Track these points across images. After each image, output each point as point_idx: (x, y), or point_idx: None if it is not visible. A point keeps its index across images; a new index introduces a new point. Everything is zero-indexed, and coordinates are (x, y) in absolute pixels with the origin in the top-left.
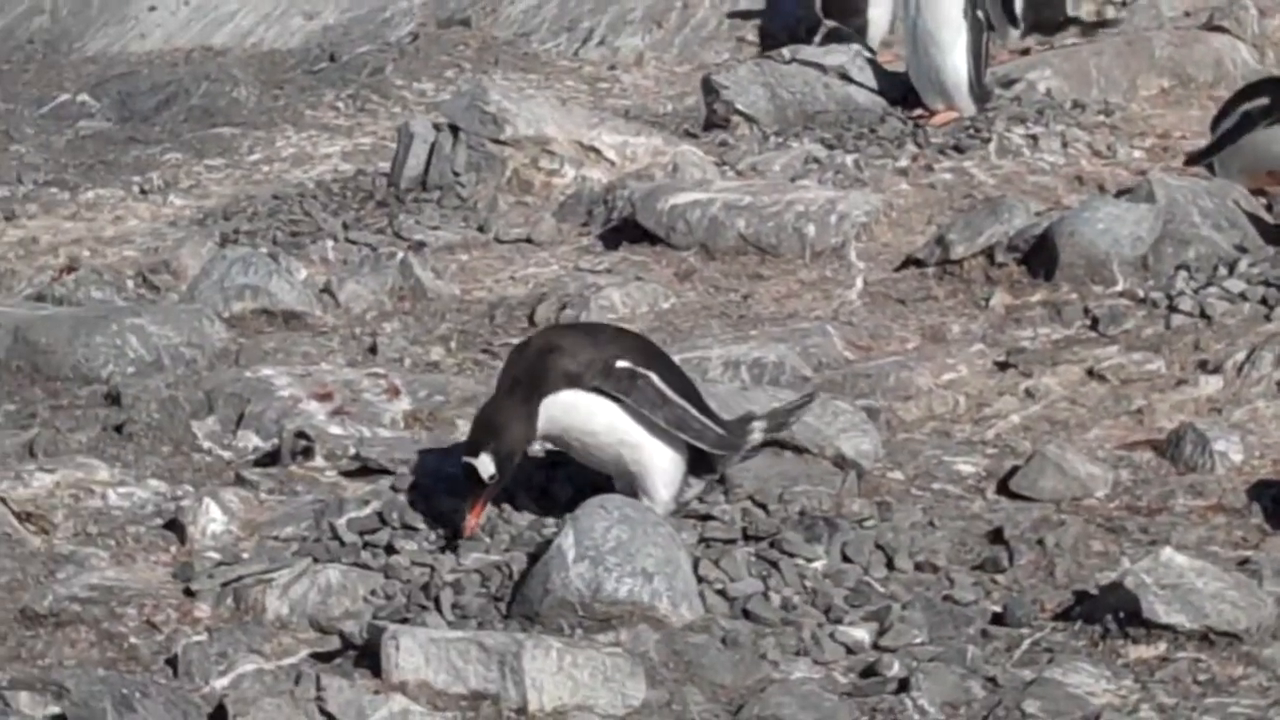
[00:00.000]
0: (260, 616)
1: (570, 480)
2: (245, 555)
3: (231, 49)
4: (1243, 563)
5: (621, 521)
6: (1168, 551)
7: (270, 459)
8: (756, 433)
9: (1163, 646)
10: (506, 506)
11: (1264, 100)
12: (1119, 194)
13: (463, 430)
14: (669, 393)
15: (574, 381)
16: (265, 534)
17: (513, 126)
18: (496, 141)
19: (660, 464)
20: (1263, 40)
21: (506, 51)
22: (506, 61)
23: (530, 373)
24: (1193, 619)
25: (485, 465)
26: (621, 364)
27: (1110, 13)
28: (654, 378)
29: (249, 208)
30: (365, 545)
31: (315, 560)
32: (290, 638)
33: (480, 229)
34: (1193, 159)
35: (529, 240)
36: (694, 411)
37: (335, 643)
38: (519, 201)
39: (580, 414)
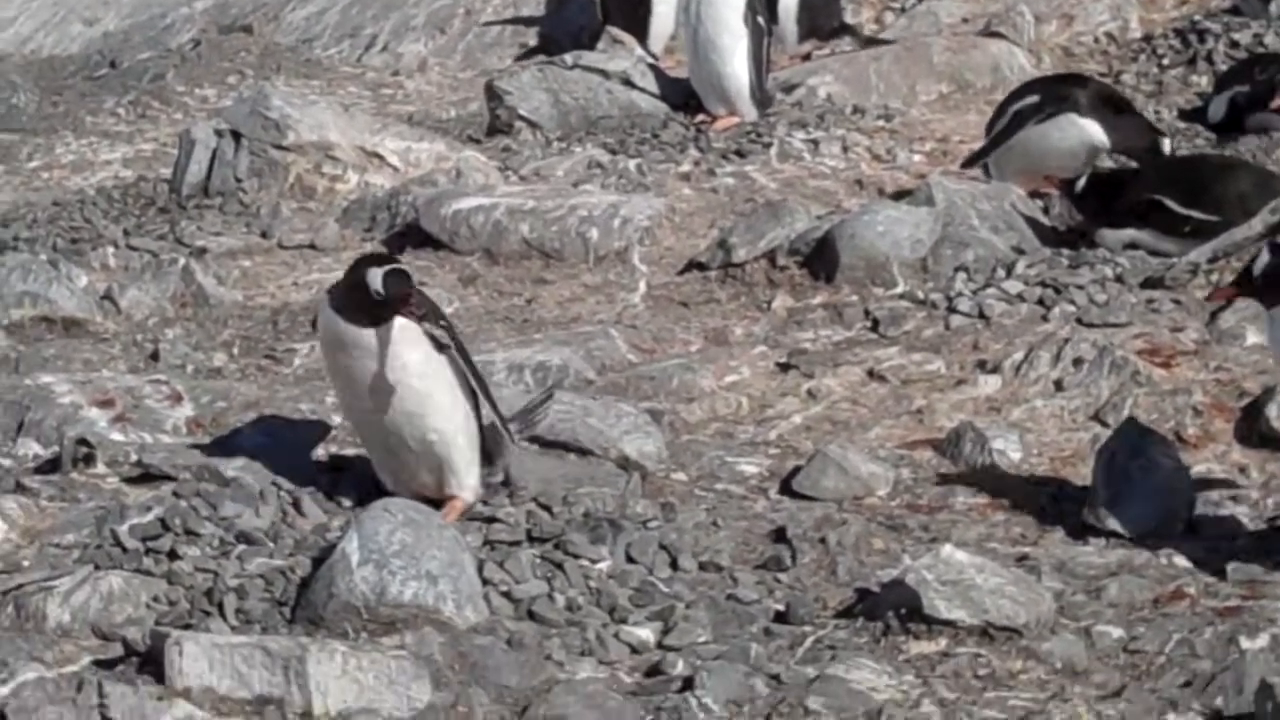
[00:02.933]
0: (41, 624)
1: (355, 485)
2: (26, 563)
3: (10, 55)
4: (1021, 559)
5: (406, 525)
6: (948, 549)
7: (51, 466)
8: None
9: (943, 642)
10: (291, 510)
11: (1034, 98)
12: (898, 197)
13: (246, 434)
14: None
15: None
16: (46, 541)
17: (295, 132)
18: (279, 147)
19: (463, 441)
20: (1039, 46)
21: (289, 58)
22: (289, 68)
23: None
24: (972, 614)
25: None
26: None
27: (889, 19)
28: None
29: (29, 214)
30: (148, 551)
31: (97, 567)
32: (72, 645)
33: (263, 235)
34: (969, 161)
35: (312, 246)
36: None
37: (118, 650)
38: (302, 207)
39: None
